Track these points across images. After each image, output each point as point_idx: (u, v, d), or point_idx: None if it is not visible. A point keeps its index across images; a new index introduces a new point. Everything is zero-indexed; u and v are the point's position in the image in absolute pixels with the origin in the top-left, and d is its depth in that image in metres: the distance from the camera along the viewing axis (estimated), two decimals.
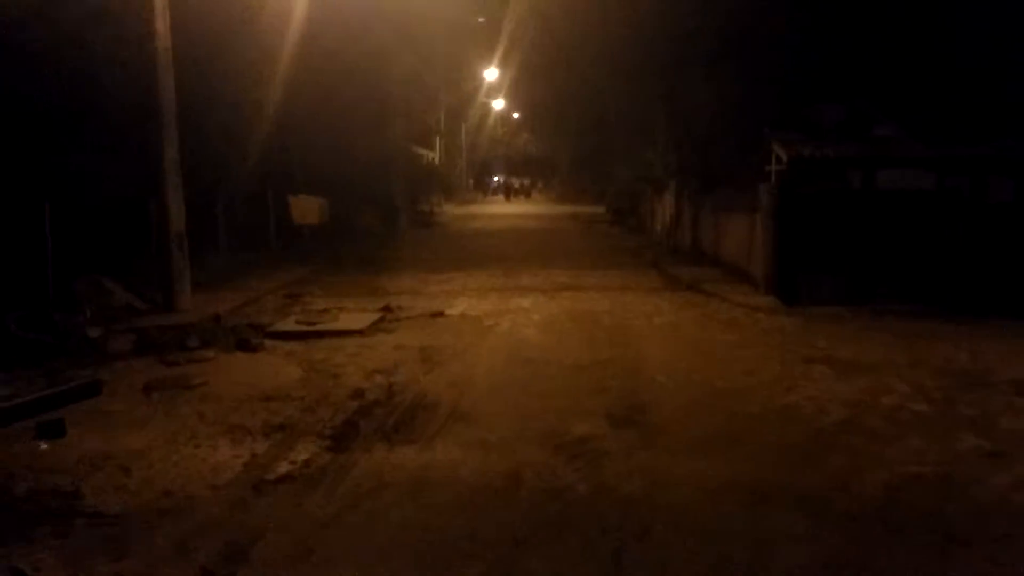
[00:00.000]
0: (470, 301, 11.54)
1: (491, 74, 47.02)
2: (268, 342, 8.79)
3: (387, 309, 10.84)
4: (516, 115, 67.96)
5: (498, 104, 59.53)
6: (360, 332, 9.31)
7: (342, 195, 24.04)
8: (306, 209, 18.32)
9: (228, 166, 15.76)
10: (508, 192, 58.86)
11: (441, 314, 10.48)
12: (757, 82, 16.65)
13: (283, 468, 4.90)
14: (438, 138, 46.54)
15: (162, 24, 9.46)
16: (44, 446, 5.26)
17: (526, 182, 64.51)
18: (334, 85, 22.60)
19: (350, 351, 8.29)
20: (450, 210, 41.48)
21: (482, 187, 60.66)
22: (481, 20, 38.06)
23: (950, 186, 11.76)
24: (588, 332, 9.17)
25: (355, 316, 10.24)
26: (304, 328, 9.50)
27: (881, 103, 16.66)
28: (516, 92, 59.06)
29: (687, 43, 17.68)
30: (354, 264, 16.49)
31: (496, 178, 63.60)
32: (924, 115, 14.85)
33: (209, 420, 5.90)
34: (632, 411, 6.01)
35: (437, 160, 45.53)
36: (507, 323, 9.77)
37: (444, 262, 16.72)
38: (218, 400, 6.44)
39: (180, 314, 9.85)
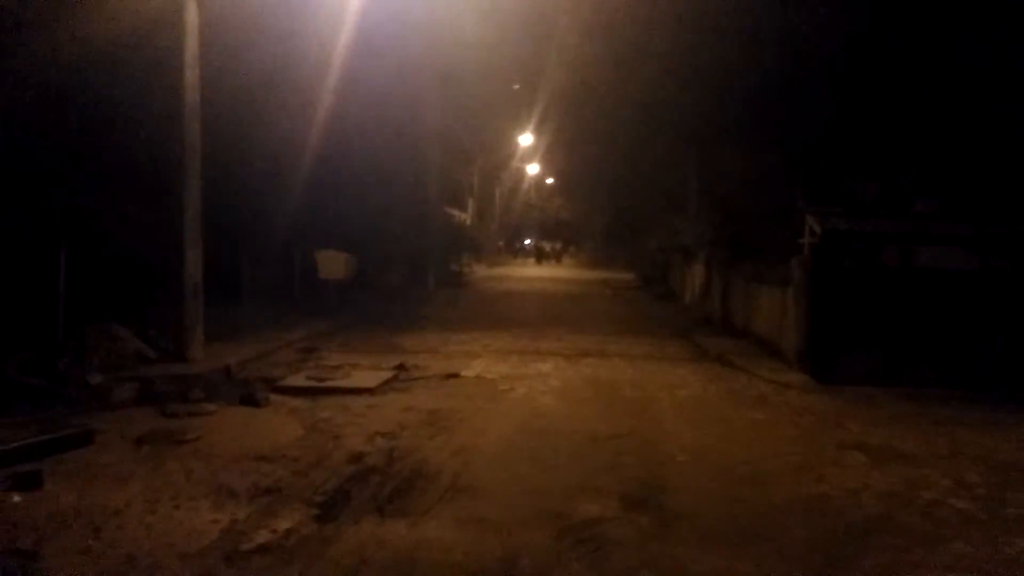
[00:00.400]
0: (488, 363, 11.19)
1: (526, 139, 47.54)
2: (274, 397, 8.50)
3: (401, 368, 10.54)
4: (550, 180, 68.64)
5: (532, 169, 60.11)
6: (370, 391, 8.99)
7: (371, 251, 24.06)
8: (331, 264, 18.26)
9: (255, 220, 15.79)
10: (540, 256, 59.00)
11: (456, 375, 10.14)
12: (791, 153, 16.42)
13: (262, 537, 4.53)
14: (471, 200, 46.95)
15: (191, 76, 9.52)
16: (16, 498, 4.96)
17: (557, 246, 64.70)
18: (368, 139, 22.92)
19: (356, 411, 7.96)
20: (480, 271, 41.51)
21: (513, 250, 60.80)
22: (516, 87, 38.65)
23: (993, 266, 11.26)
24: (607, 402, 8.73)
25: (367, 374, 9.94)
26: (313, 384, 9.22)
27: (920, 178, 16.27)
28: (550, 157, 59.77)
29: (719, 111, 17.60)
30: (376, 319, 16.28)
31: (528, 241, 63.68)
32: (965, 192, 14.44)
33: (196, 478, 5.57)
34: (647, 492, 5.56)
35: (469, 221, 45.80)
36: (524, 388, 9.38)
37: (468, 322, 16.44)
38: (210, 457, 6.12)
39: (190, 364, 9.64)
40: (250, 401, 7.99)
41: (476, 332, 14.70)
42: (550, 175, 66.71)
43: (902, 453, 6.96)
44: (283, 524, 4.74)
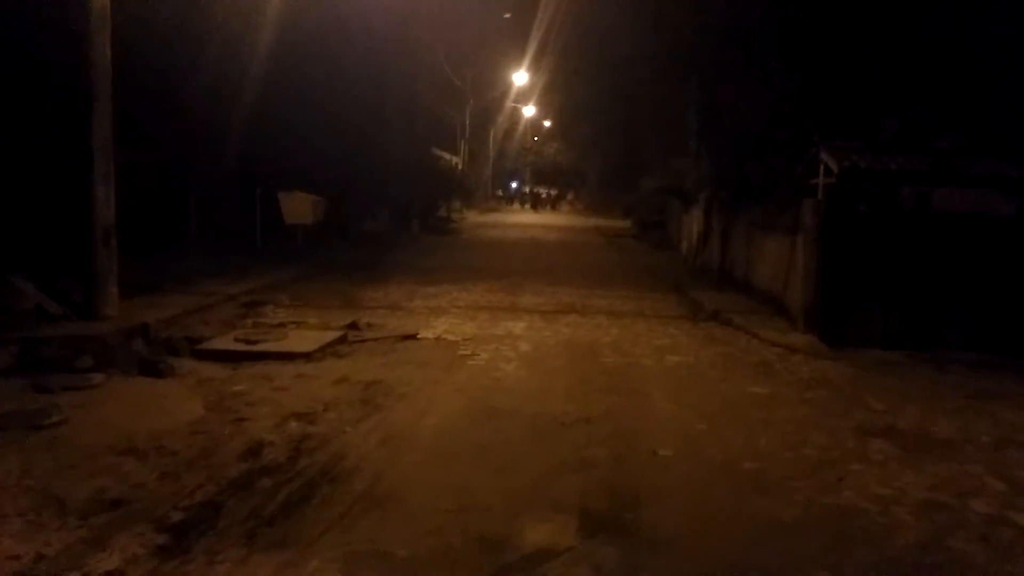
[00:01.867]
0: (454, 321, 9.84)
1: (520, 78, 45.38)
2: (188, 364, 7.17)
3: (353, 327, 9.19)
4: (547, 123, 66.44)
5: (528, 111, 57.99)
6: (306, 356, 7.65)
7: (351, 195, 22.54)
8: (298, 207, 16.76)
9: (210, 158, 14.24)
10: (535, 202, 57.15)
11: (414, 337, 8.79)
12: (803, 86, 14.77)
13: None
14: (463, 143, 45.06)
15: None
16: None
17: (553, 192, 62.73)
18: (348, 75, 21.17)
19: (280, 382, 6.62)
20: (471, 217, 39.90)
21: (507, 196, 58.78)
22: (507, 16, 36.46)
23: None
24: (583, 372, 7.39)
25: (310, 334, 8.59)
26: (240, 347, 7.86)
27: (947, 114, 14.68)
28: (547, 98, 57.57)
29: (727, 43, 15.88)
30: (343, 270, 14.87)
31: (514, 184, 61.14)
32: (996, 129, 12.89)
33: (27, 483, 4.25)
34: (618, 506, 4.24)
35: (461, 165, 44.00)
36: (488, 353, 8.03)
37: (443, 272, 15.04)
38: (63, 449, 4.79)
39: (99, 323, 8.25)
40: (150, 370, 6.65)
41: (450, 284, 13.32)
42: (547, 117, 64.60)
43: (938, 441, 5.65)
44: (106, 562, 3.42)
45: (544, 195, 60.52)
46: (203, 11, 12.85)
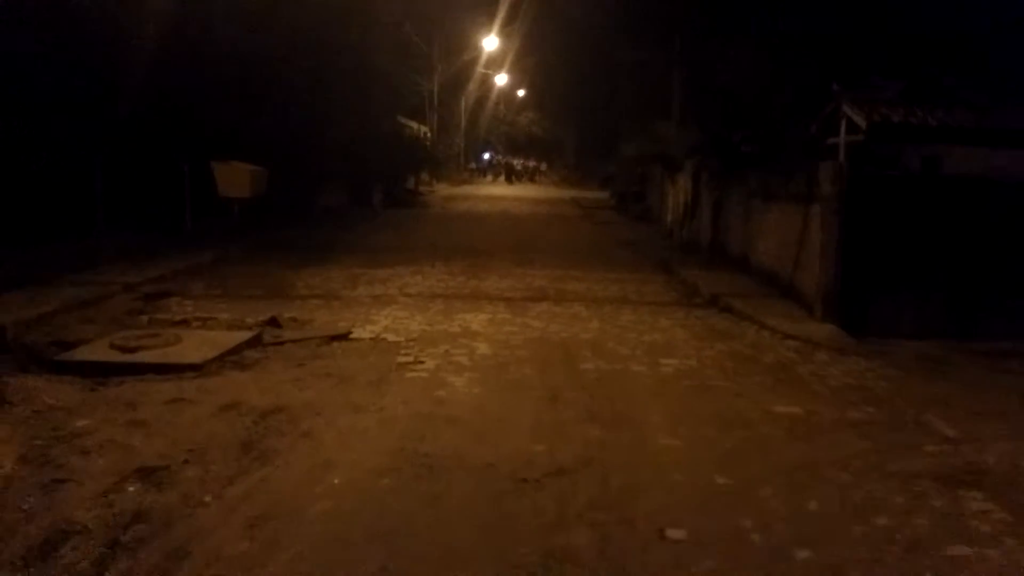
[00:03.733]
0: (400, 314, 8.08)
1: (490, 43, 43.09)
2: (35, 382, 5.37)
3: (272, 323, 7.43)
4: (521, 92, 64.21)
5: (501, 79, 55.70)
6: (196, 368, 5.87)
7: (303, 166, 20.56)
8: (233, 178, 14.79)
9: (114, 123, 12.21)
10: (509, 174, 55.06)
11: (344, 336, 7.03)
12: (802, 43, 13.03)
13: None
14: (433, 113, 42.83)
15: None
16: None
17: (530, 164, 60.66)
18: (298, 35, 19.12)
19: (144, 412, 4.85)
20: (442, 190, 37.96)
21: (481, 168, 56.46)
22: None
23: None
24: (556, 386, 5.68)
25: (213, 336, 6.80)
26: (114, 357, 6.06)
27: (961, 73, 13.04)
28: (520, 66, 55.36)
29: None
30: (282, 250, 13.04)
31: (487, 155, 58.62)
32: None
33: None
34: None
35: (430, 135, 41.82)
36: (435, 359, 6.30)
37: (399, 252, 13.26)
38: None
39: None
40: None
41: (405, 265, 11.54)
42: (520, 86, 62.39)
43: None
44: None
45: (519, 166, 58.46)
46: None
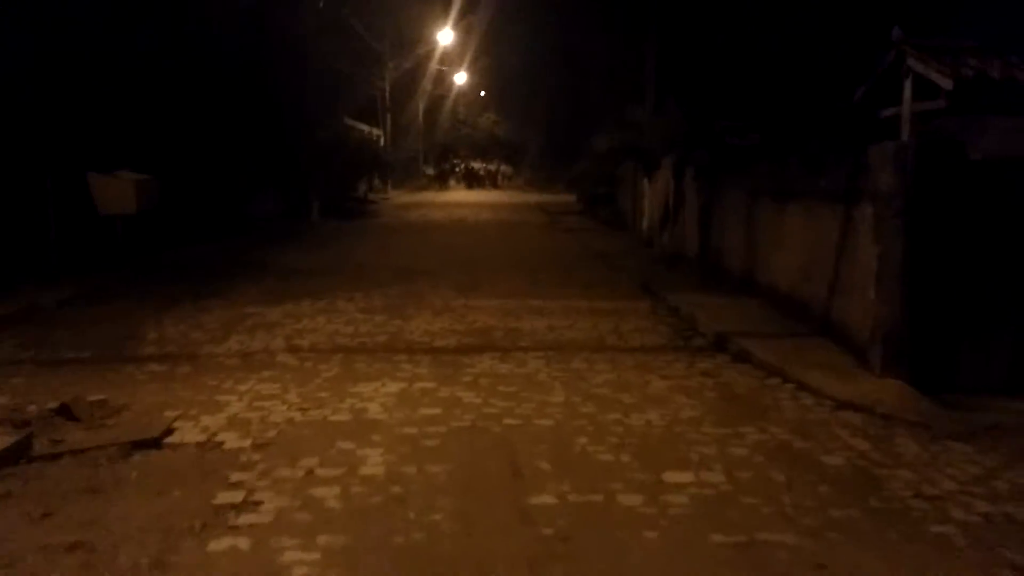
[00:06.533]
0: (267, 389, 5.42)
1: (446, 37, 40.39)
2: None
3: (63, 412, 4.79)
4: (483, 93, 61.62)
5: (460, 79, 53.08)
6: None
7: (225, 171, 17.79)
8: (115, 192, 12.02)
9: None
10: (470, 179, 52.10)
11: (157, 441, 4.37)
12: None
13: None
14: (387, 115, 40.00)
15: None
16: None
17: (491, 167, 57.76)
18: (213, 22, 16.41)
19: None
20: (397, 197, 35.14)
21: (442, 174, 53.37)
22: None
23: None
24: (490, 555, 3.09)
25: None
26: None
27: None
28: (480, 65, 52.80)
29: None
30: (159, 281, 10.32)
31: (458, 163, 55.38)
32: None
33: None
34: None
35: (384, 138, 39.00)
36: (281, 498, 3.65)
37: (315, 278, 10.58)
38: None
39: None
40: None
41: (312, 298, 8.89)
42: (480, 86, 59.84)
43: None
44: None
45: (482, 171, 55.50)
46: None
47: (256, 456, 4.14)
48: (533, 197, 36.37)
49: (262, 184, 20.59)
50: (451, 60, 48.11)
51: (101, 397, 5.15)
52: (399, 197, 35.41)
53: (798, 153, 7.35)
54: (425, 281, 10.23)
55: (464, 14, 39.11)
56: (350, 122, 31.28)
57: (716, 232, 10.45)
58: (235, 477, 3.87)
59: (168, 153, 14.51)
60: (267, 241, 15.42)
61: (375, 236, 17.47)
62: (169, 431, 4.53)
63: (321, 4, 25.32)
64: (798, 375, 5.67)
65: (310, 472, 3.93)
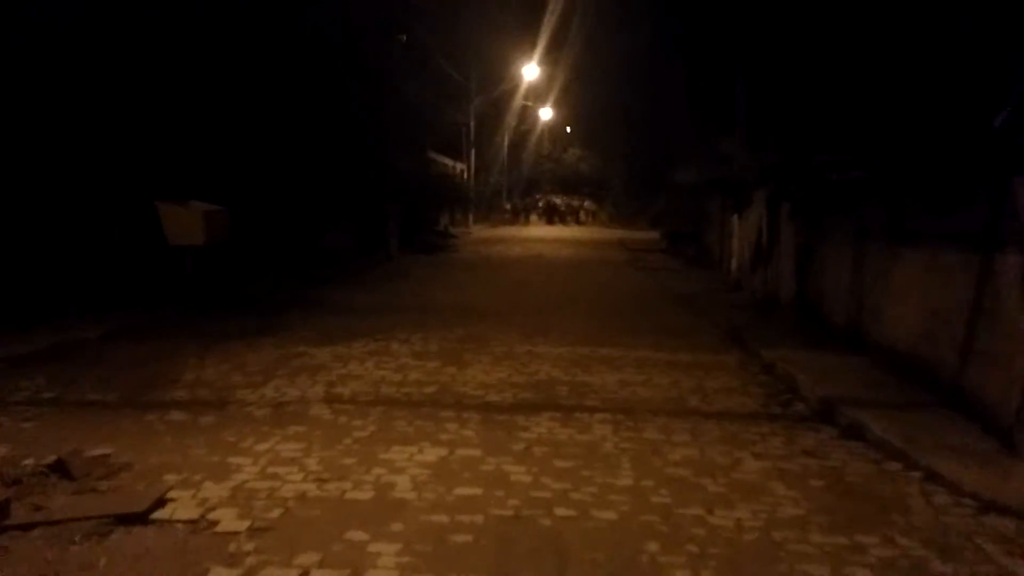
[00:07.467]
0: (289, 450, 4.74)
1: (531, 72, 40.18)
2: None
3: (57, 468, 4.30)
4: (568, 128, 61.44)
5: (546, 113, 52.93)
6: None
7: (304, 204, 17.68)
8: (181, 223, 11.87)
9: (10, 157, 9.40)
10: (551, 214, 51.17)
11: (145, 516, 3.72)
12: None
13: None
14: (472, 149, 39.98)
15: None
16: None
17: (574, 203, 56.92)
18: (302, 58, 16.43)
19: None
20: (477, 232, 34.84)
21: (523, 208, 52.88)
22: None
23: None
24: None
25: None
26: None
27: None
28: (566, 100, 52.58)
29: None
30: (225, 312, 9.94)
31: (539, 198, 54.51)
32: None
33: None
34: None
35: (467, 173, 38.95)
36: None
37: (375, 315, 10.01)
38: None
39: None
40: None
41: (367, 338, 8.27)
42: (567, 121, 59.66)
43: None
44: None
45: (563, 206, 54.67)
46: None
47: (249, 545, 3.41)
48: (616, 233, 35.47)
49: (340, 217, 20.45)
50: (537, 95, 48.01)
51: (105, 451, 4.60)
52: (480, 231, 35.12)
53: (917, 189, 6.25)
54: (490, 323, 9.48)
55: (551, 49, 38.86)
56: (433, 155, 31.25)
57: (816, 276, 9.32)
58: (223, 570, 3.15)
59: (243, 184, 14.40)
60: (337, 276, 15.07)
61: (448, 272, 16.93)
62: (162, 502, 3.88)
63: (404, 39, 25.36)
64: (927, 461, 4.59)
65: (305, 574, 3.16)
